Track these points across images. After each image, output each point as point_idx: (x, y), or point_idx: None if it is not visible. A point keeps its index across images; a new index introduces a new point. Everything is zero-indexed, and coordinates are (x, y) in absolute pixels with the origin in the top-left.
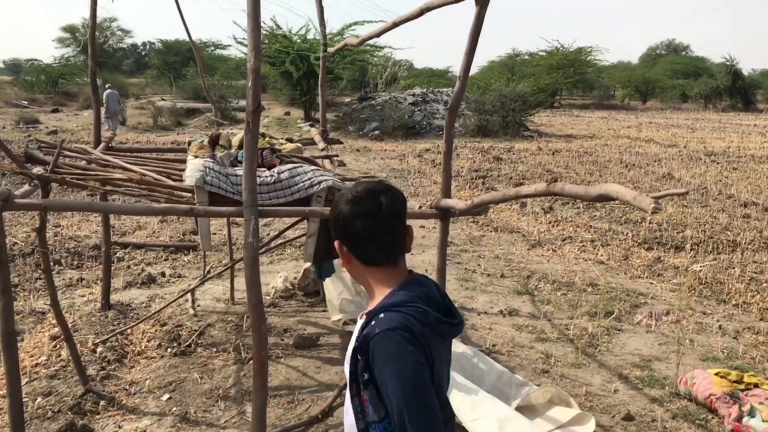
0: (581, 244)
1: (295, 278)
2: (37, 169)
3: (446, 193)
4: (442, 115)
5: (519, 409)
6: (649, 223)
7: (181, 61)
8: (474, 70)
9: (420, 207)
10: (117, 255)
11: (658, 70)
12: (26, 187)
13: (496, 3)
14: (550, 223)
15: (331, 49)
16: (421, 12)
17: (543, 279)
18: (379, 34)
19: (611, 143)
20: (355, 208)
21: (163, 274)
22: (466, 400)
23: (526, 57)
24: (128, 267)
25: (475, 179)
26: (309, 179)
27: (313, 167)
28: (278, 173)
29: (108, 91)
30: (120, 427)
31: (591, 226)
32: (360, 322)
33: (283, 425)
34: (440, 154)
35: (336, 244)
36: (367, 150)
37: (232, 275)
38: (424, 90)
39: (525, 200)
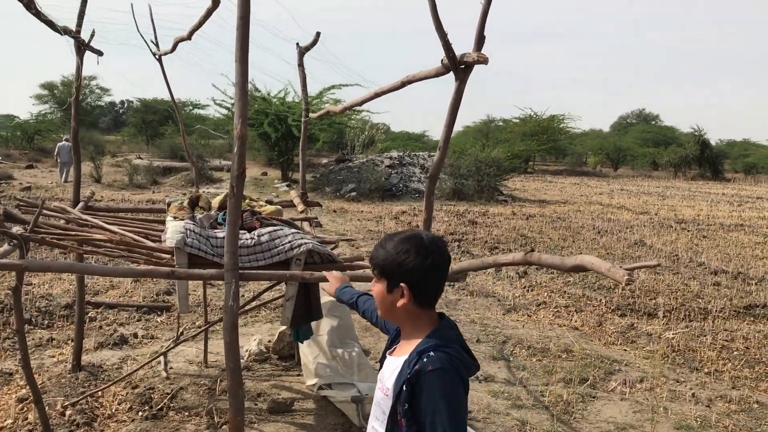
0: (556, 310)
1: (270, 341)
2: (16, 228)
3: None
4: (419, 178)
5: None
6: (622, 290)
7: (158, 120)
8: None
9: None
10: (89, 315)
11: (629, 139)
12: (5, 246)
13: (474, 71)
14: (524, 287)
15: (313, 115)
16: (403, 84)
17: (518, 344)
18: (361, 103)
19: (584, 209)
20: (428, 259)
21: (135, 335)
22: None
23: (501, 123)
24: (100, 327)
25: (451, 242)
26: (289, 242)
27: (293, 230)
28: (258, 236)
29: (62, 143)
30: None
31: (565, 292)
32: (400, 359)
33: None
34: (416, 216)
35: (403, 287)
36: (343, 211)
37: (206, 338)
38: (401, 153)
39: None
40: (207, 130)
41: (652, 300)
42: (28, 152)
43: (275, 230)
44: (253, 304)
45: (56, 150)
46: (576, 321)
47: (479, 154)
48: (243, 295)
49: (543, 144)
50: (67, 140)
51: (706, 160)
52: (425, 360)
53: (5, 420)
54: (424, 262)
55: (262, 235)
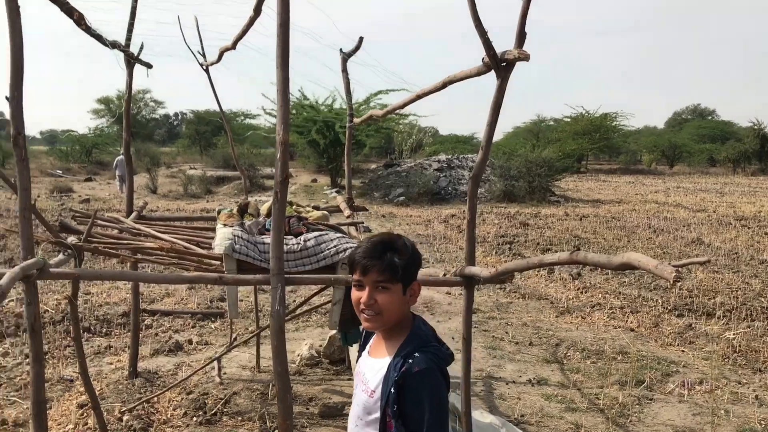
0: (610, 311)
1: (321, 345)
2: (71, 239)
3: (470, 260)
4: (467, 181)
5: None
6: (680, 290)
7: (211, 131)
8: (499, 136)
9: (444, 274)
10: (145, 322)
11: (684, 135)
12: (60, 256)
13: (519, 70)
14: (578, 289)
15: (357, 120)
16: (444, 85)
17: (572, 347)
18: (403, 106)
19: (639, 208)
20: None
21: (190, 342)
22: None
23: (551, 123)
24: (156, 334)
25: (502, 245)
26: (335, 246)
27: (338, 234)
28: (305, 241)
29: (120, 156)
30: None
31: (620, 293)
32: (382, 360)
33: None
34: (466, 219)
35: (417, 284)
36: (392, 216)
37: (258, 343)
38: (449, 156)
39: (552, 267)
40: (258, 138)
41: (710, 299)
42: (87, 166)
43: (321, 235)
44: (303, 308)
45: (114, 163)
46: (632, 322)
47: (529, 154)
48: (293, 300)
49: (595, 143)
50: (122, 154)
51: (767, 154)
52: (411, 361)
53: (66, 425)
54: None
55: (308, 240)
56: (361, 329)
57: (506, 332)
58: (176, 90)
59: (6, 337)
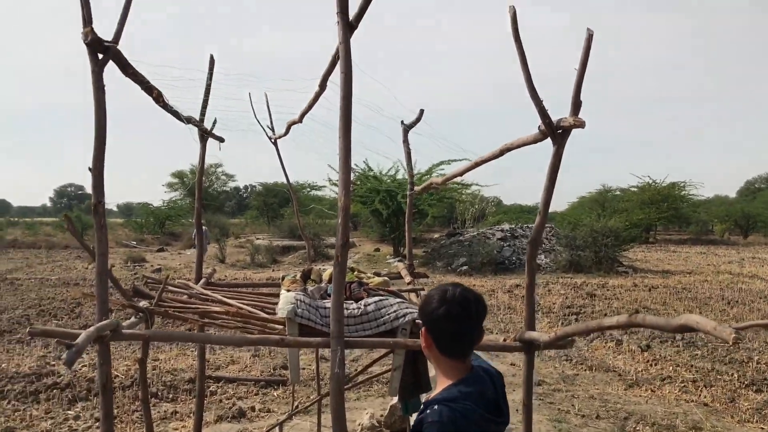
0: (682, 384)
1: (382, 415)
2: (143, 303)
3: (530, 325)
4: None
5: None
6: (757, 363)
7: (278, 202)
8: (563, 206)
9: (504, 340)
10: (210, 388)
11: (758, 204)
12: (132, 319)
13: (581, 140)
14: (647, 361)
15: (417, 188)
16: (501, 152)
17: (641, 421)
18: (461, 173)
19: (711, 279)
20: (447, 309)
21: (253, 409)
22: None
23: (618, 193)
24: (220, 401)
25: (568, 315)
26: (395, 311)
27: (398, 300)
28: (365, 305)
29: (205, 228)
30: None
31: (692, 365)
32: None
33: None
34: (525, 283)
35: (423, 330)
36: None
37: (320, 411)
38: (513, 225)
39: (621, 338)
40: (323, 210)
41: None
42: (160, 237)
43: (381, 300)
44: (364, 377)
45: (193, 233)
46: (705, 396)
47: (595, 224)
48: (354, 369)
49: (663, 212)
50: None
51: None
52: (428, 412)
53: None
54: (438, 310)
55: (369, 304)
56: (422, 398)
57: (572, 405)
58: (246, 163)
59: (78, 401)
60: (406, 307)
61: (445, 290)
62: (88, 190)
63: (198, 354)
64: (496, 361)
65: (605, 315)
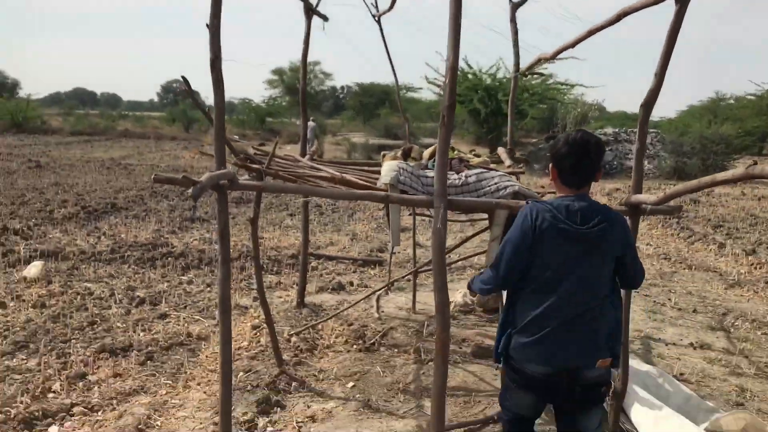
0: None
1: (475, 295)
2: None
3: (637, 189)
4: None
5: None
6: None
7: (374, 103)
8: (672, 113)
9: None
10: (311, 265)
11: None
12: (246, 177)
13: (697, 44)
14: (752, 264)
15: (524, 68)
16: (618, 17)
17: (741, 317)
18: (573, 45)
19: None
20: (569, 146)
21: (351, 284)
22: (649, 415)
23: (731, 101)
24: (321, 275)
25: (669, 219)
26: (495, 184)
27: (500, 173)
28: (466, 177)
29: (311, 123)
30: (308, 407)
31: None
32: None
33: (458, 422)
34: (635, 147)
35: (550, 165)
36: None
37: (415, 287)
38: (617, 130)
39: (724, 241)
40: (420, 110)
41: None
42: (261, 132)
43: (482, 172)
44: (459, 261)
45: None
46: None
47: (705, 130)
48: (448, 256)
49: None
50: (312, 120)
51: None
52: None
53: (242, 342)
54: (562, 148)
55: (470, 176)
56: None
57: (669, 299)
58: (344, 63)
59: (190, 269)
60: (507, 180)
61: (570, 134)
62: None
63: (303, 228)
64: None
65: (708, 220)
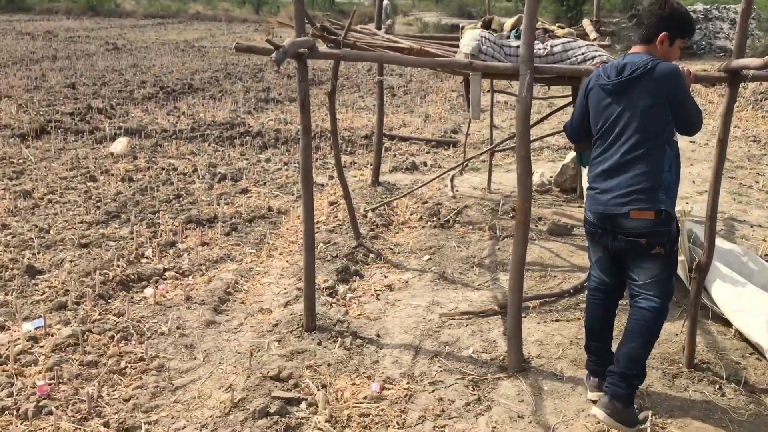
0: None
1: (551, 176)
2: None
3: (739, 53)
4: (726, 35)
5: None
6: None
7: None
8: None
9: (705, 71)
10: (385, 145)
11: None
12: (324, 47)
13: None
14: None
15: None
16: None
17: None
18: None
19: None
20: (642, 9)
21: (425, 164)
22: (731, 291)
23: None
24: (394, 155)
25: (761, 101)
26: (582, 54)
27: (587, 43)
28: (551, 46)
29: (386, 2)
30: (385, 277)
31: None
32: None
33: (536, 293)
34: (740, 9)
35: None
36: None
37: (491, 166)
38: (707, 6)
39: None
40: None
41: None
42: (330, 14)
43: (569, 41)
44: (536, 140)
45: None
46: None
47: None
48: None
49: None
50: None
51: None
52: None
53: (320, 217)
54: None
55: (555, 46)
56: None
57: (756, 181)
58: None
59: (267, 147)
60: (595, 50)
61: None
62: None
63: (377, 113)
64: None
65: None
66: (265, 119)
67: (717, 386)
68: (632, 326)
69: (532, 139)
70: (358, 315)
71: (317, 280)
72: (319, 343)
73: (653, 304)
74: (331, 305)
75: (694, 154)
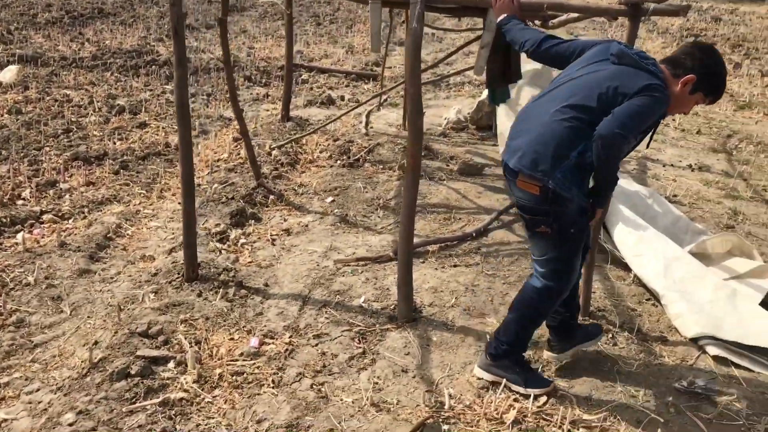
0: None
1: (470, 112)
2: None
3: None
4: None
5: (692, 255)
6: None
7: None
8: None
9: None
10: (302, 77)
11: None
12: None
13: None
14: (766, 86)
15: None
16: None
17: (746, 140)
18: None
19: None
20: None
21: (342, 98)
22: (632, 234)
23: None
24: (311, 88)
25: (686, 37)
26: None
27: None
28: None
29: None
30: (285, 220)
31: None
32: None
33: (437, 237)
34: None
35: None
36: None
37: (406, 102)
38: None
39: (740, 61)
40: None
41: None
42: None
43: None
44: (455, 74)
45: None
46: None
47: None
48: (447, 71)
49: None
50: None
51: None
52: None
53: (222, 154)
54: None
55: None
56: (510, 88)
57: (673, 119)
58: None
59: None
60: None
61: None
62: None
63: (286, 32)
64: None
65: (728, 39)
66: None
67: (610, 335)
68: (517, 296)
69: (454, 71)
70: (249, 262)
71: (208, 224)
72: (199, 295)
73: (536, 284)
74: (221, 252)
75: None
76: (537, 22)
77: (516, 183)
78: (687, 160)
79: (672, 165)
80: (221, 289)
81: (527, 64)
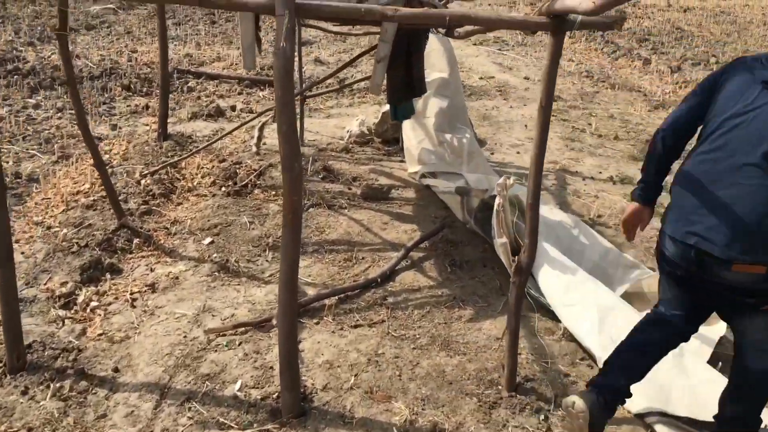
0: None
1: (374, 123)
2: None
3: None
4: None
5: (626, 296)
6: None
7: None
8: None
9: (526, 15)
10: (189, 84)
11: None
12: None
13: None
14: (677, 83)
15: None
16: None
17: None
18: None
19: (753, 3)
20: None
21: (233, 108)
22: (561, 279)
23: None
24: (198, 98)
25: (593, 33)
26: None
27: None
28: None
29: None
30: (151, 270)
31: None
32: None
33: (335, 285)
34: None
35: None
36: None
37: (302, 114)
38: None
39: (650, 57)
40: None
41: None
42: None
43: None
44: (361, 81)
45: None
46: None
47: None
48: (352, 75)
49: None
50: None
51: None
52: None
53: (83, 184)
54: None
55: None
56: (415, 103)
57: (589, 123)
58: None
59: (41, 89)
60: None
61: None
62: None
63: (160, 40)
64: (508, 74)
65: (634, 33)
66: (49, 52)
67: (542, 416)
68: (740, 386)
69: (361, 77)
70: (99, 335)
71: (52, 284)
72: (24, 392)
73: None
74: (63, 322)
75: (528, 92)
76: (441, 30)
77: (731, 268)
78: (607, 171)
79: (592, 177)
80: (54, 382)
81: (433, 73)
